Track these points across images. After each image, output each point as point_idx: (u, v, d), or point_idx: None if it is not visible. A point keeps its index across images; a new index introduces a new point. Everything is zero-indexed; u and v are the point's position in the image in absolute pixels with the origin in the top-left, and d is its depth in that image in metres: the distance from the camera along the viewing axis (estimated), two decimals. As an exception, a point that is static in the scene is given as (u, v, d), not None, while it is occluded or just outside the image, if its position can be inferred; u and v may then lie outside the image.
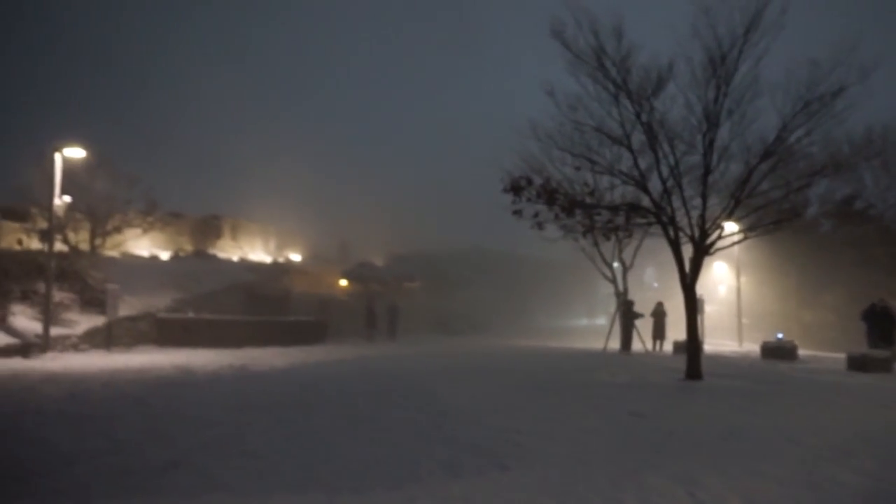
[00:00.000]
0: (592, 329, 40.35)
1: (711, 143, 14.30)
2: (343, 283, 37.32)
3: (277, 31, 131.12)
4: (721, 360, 19.73)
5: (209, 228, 38.14)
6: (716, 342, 30.46)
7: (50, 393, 10.86)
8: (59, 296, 21.30)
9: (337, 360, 18.26)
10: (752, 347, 26.29)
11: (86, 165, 26.67)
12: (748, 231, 15.97)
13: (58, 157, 19.96)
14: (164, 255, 33.83)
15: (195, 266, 30.56)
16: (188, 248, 35.97)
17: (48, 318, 18.95)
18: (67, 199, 23.57)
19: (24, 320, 20.05)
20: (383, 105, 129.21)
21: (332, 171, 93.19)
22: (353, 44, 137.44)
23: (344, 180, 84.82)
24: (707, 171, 14.45)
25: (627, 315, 23.74)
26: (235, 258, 37.06)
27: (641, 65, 14.28)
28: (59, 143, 20.09)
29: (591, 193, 16.49)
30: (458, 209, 72.01)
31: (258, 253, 40.84)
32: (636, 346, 23.81)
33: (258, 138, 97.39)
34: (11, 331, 19.15)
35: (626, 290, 24.19)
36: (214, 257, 35.28)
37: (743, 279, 31.71)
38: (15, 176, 28.31)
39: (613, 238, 19.43)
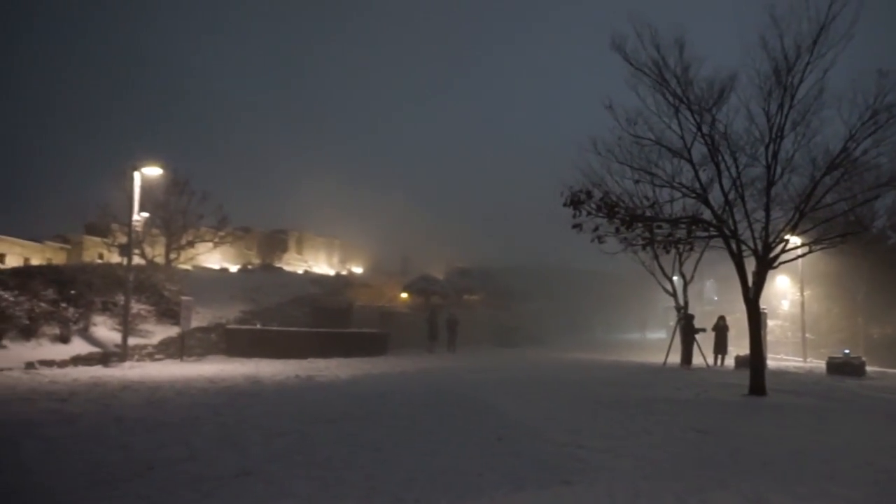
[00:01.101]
0: (650, 343, 39.65)
1: (775, 155, 14.06)
2: (404, 295, 37.73)
3: (341, 52, 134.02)
4: (785, 376, 19.19)
5: (276, 242, 39.26)
6: (779, 357, 29.54)
7: (129, 400, 11.42)
8: (136, 307, 22.30)
9: (399, 372, 18.54)
10: (817, 363, 25.42)
11: (162, 183, 27.93)
12: (813, 244, 15.59)
13: (136, 176, 20.96)
14: (234, 269, 34.97)
15: (262, 279, 31.47)
16: (256, 261, 37.11)
17: (126, 329, 19.87)
18: (145, 215, 24.67)
19: (105, 330, 21.07)
20: (447, 121, 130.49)
21: (395, 187, 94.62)
22: (416, 63, 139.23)
23: (407, 195, 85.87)
24: (770, 183, 14.19)
25: (688, 329, 23.32)
26: (300, 271, 37.98)
27: (703, 76, 14.17)
28: (138, 163, 21.10)
29: (652, 206, 16.37)
30: (518, 224, 71.93)
31: (322, 266, 41.75)
32: (697, 360, 23.36)
33: (324, 155, 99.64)
34: (93, 340, 20.18)
35: (686, 303, 23.77)
36: (281, 270, 36.26)
37: (807, 293, 30.68)
38: (97, 194, 29.73)
39: (673, 251, 19.19)
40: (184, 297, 22.55)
